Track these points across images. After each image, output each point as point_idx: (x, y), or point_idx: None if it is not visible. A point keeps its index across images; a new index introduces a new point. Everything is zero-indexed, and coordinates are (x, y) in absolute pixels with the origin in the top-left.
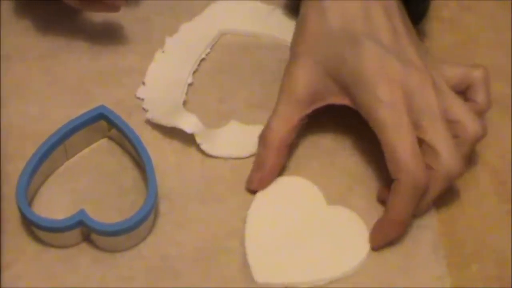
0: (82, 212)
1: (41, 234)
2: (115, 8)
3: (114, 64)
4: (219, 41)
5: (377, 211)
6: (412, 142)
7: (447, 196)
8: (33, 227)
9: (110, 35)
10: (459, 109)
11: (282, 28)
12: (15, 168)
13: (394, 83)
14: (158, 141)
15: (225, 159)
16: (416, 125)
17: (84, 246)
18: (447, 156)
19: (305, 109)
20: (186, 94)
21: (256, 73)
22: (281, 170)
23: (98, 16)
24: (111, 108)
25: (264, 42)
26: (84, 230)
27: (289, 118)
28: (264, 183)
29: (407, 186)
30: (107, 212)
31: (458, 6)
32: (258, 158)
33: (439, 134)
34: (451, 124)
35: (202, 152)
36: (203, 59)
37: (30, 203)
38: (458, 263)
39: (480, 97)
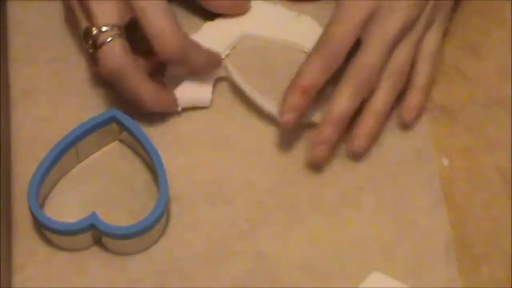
0: (93, 215)
1: (52, 237)
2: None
3: None
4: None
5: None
6: None
7: (457, 198)
8: (44, 230)
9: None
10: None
11: (304, 35)
12: (26, 170)
13: None
14: (169, 144)
15: (235, 161)
16: None
17: (95, 249)
18: None
19: None
20: None
21: (268, 75)
22: None
23: None
24: (121, 111)
25: (280, 45)
26: (95, 233)
27: None
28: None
29: None
30: (119, 215)
31: (468, 6)
32: None
33: None
34: None
35: (212, 154)
36: None
37: (41, 206)
38: (468, 265)
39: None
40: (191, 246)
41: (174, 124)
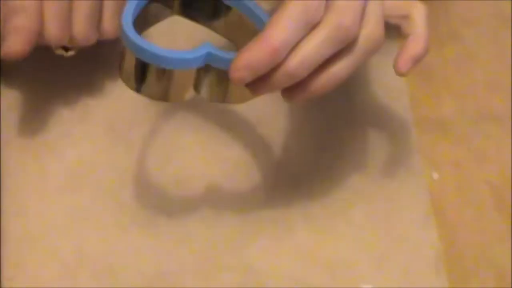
0: (207, 44)
1: (150, 76)
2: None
3: None
4: None
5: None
6: None
7: (447, 212)
8: (144, 65)
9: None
10: None
11: None
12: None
13: None
14: (157, 156)
15: (225, 174)
16: None
17: (84, 260)
18: None
19: None
20: None
21: None
22: None
23: None
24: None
25: None
26: (201, 73)
27: None
28: None
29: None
30: None
31: (459, 21)
32: None
33: None
34: None
35: (204, 168)
36: None
37: None
38: (458, 279)
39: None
40: (181, 260)
41: (165, 138)
